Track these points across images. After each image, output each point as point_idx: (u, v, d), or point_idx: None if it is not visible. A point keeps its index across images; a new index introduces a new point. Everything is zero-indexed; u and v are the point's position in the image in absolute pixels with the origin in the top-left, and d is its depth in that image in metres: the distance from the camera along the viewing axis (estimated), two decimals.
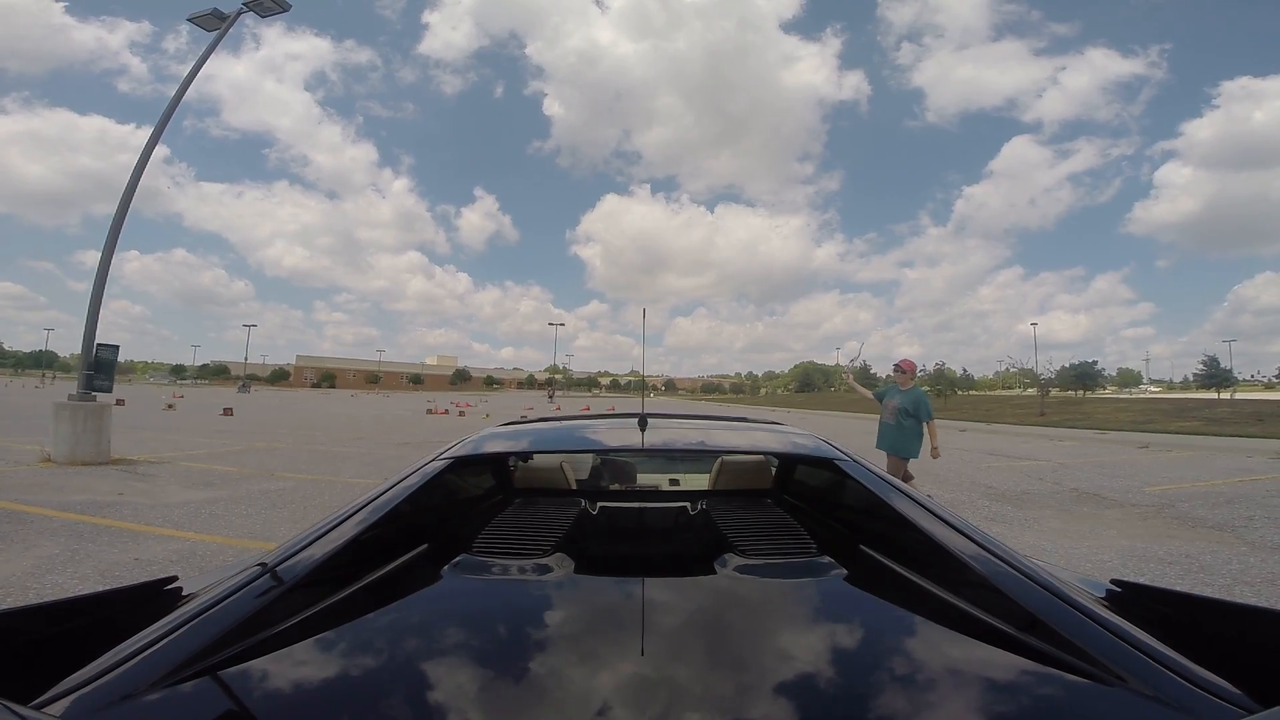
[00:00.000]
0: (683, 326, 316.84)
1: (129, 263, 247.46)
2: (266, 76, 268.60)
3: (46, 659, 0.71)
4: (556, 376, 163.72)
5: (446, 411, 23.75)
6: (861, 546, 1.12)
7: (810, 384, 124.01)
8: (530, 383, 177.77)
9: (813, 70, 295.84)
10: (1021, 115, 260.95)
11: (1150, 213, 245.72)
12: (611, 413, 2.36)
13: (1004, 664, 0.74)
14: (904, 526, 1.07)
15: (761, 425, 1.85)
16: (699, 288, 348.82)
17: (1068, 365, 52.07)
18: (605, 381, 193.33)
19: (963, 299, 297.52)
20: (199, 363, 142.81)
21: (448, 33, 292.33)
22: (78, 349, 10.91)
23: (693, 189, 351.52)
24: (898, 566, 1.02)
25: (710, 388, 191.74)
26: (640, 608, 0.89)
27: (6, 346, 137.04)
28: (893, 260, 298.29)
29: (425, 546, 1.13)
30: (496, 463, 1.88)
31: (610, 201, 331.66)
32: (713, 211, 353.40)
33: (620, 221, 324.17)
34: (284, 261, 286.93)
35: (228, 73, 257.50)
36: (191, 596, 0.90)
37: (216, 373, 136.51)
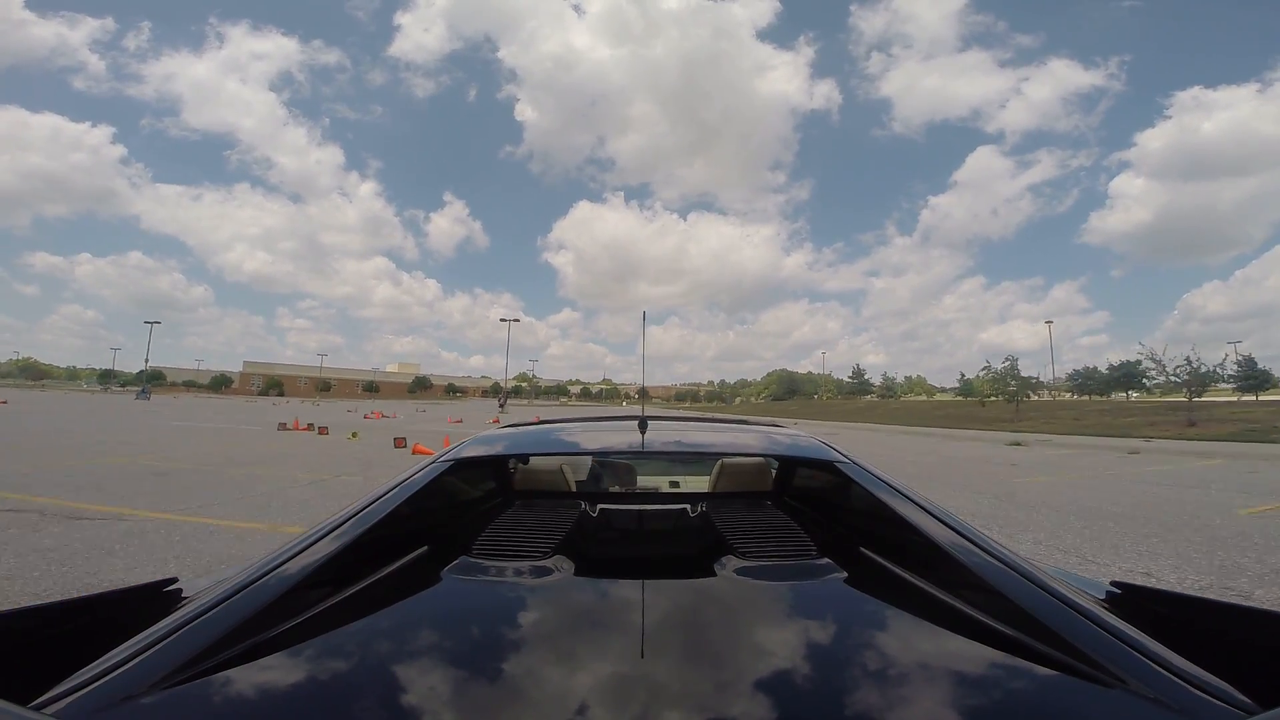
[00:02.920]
0: (655, 335, 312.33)
1: (80, 266, 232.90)
2: (230, 76, 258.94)
3: (47, 659, 0.71)
4: (522, 384, 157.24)
5: (310, 427, 18.01)
6: (861, 549, 1.11)
7: (796, 390, 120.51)
8: (496, 390, 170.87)
9: (785, 79, 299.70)
10: (985, 126, 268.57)
11: (1105, 223, 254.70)
12: (611, 415, 2.31)
13: (1004, 666, 0.74)
14: (904, 528, 1.07)
15: (761, 427, 1.86)
16: (671, 296, 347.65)
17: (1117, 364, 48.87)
18: (575, 390, 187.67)
19: (927, 308, 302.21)
20: (195, 370, 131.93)
21: (420, 35, 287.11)
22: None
23: (666, 197, 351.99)
24: (898, 568, 1.02)
25: (684, 395, 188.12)
26: (640, 610, 0.89)
27: None
28: (860, 269, 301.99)
29: (425, 549, 1.13)
30: (496, 465, 1.88)
31: (583, 209, 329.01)
32: (685, 219, 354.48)
33: (593, 229, 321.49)
34: (245, 266, 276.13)
35: (189, 71, 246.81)
36: (191, 598, 0.90)
37: (152, 378, 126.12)
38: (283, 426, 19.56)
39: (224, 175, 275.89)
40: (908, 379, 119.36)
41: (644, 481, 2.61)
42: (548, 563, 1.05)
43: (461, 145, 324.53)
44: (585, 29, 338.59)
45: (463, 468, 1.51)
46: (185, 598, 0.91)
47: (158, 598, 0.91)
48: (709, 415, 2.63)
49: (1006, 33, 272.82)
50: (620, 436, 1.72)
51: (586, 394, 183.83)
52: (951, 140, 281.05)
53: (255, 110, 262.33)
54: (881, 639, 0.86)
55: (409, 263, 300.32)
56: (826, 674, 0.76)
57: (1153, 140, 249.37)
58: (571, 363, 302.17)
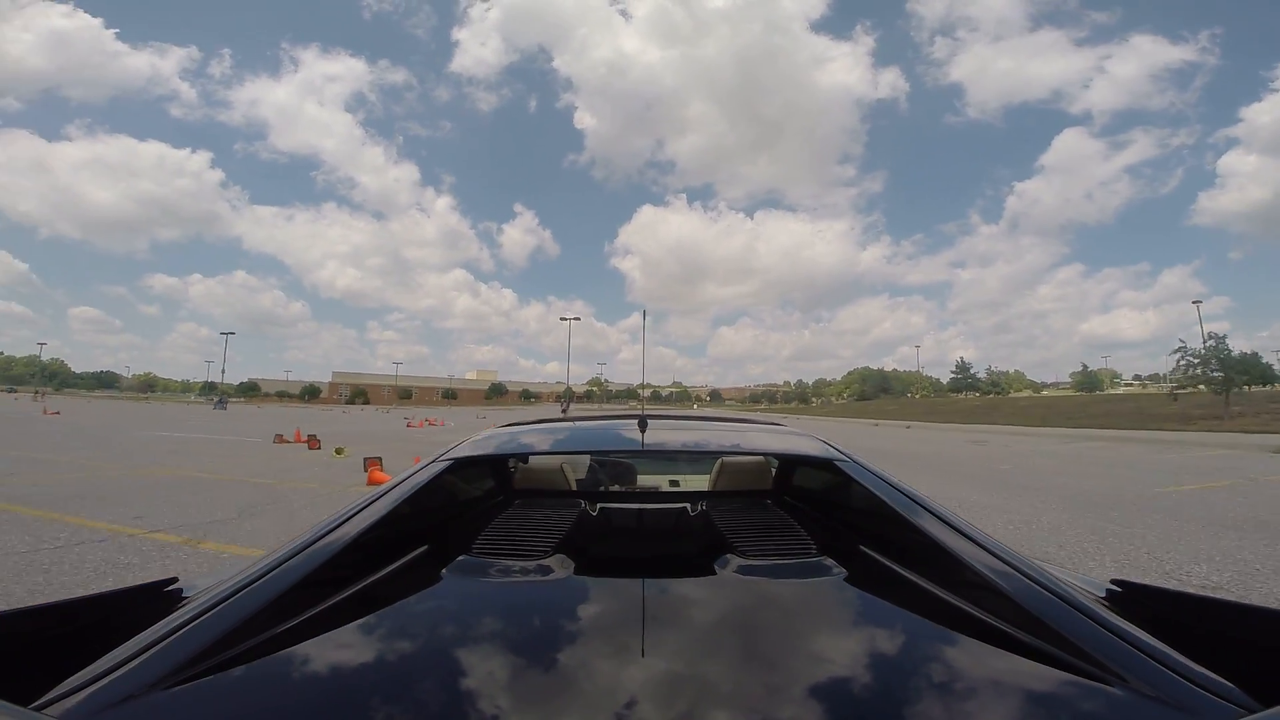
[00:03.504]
0: (726, 336, 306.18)
1: (193, 285, 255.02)
2: (308, 99, 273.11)
3: (47, 660, 0.71)
4: (594, 389, 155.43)
5: (313, 439, 14.55)
6: (861, 547, 1.11)
7: (886, 388, 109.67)
8: (568, 396, 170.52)
9: (845, 70, 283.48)
10: (1069, 107, 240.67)
11: (1217, 203, 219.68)
12: (611, 414, 2.25)
13: (1004, 664, 0.74)
14: (904, 527, 1.07)
15: (761, 426, 1.84)
16: (741, 296, 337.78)
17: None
18: (646, 393, 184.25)
19: (1020, 299, 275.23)
20: (286, 381, 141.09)
21: (477, 49, 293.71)
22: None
23: (730, 196, 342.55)
24: (898, 567, 1.01)
25: (759, 397, 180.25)
26: (641, 609, 0.89)
27: (75, 370, 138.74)
28: (944, 261, 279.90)
29: (425, 548, 1.13)
30: (497, 464, 1.88)
31: (647, 213, 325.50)
32: (752, 218, 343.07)
33: (657, 232, 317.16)
34: (337, 283, 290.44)
35: (271, 96, 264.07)
36: (191, 598, 0.90)
37: (249, 389, 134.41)
38: (280, 439, 16.17)
39: (312, 195, 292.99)
40: (1003, 374, 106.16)
41: (644, 480, 2.57)
42: (548, 562, 1.05)
43: (526, 156, 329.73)
44: (634, 33, 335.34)
45: (463, 467, 1.51)
46: (185, 598, 0.91)
47: (158, 598, 0.91)
48: (708, 415, 2.34)
49: (1079, 10, 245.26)
50: (620, 436, 1.72)
51: (656, 397, 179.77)
52: (1033, 123, 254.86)
53: (334, 131, 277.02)
54: (882, 637, 0.85)
55: (485, 274, 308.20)
56: (827, 672, 0.76)
57: (1261, 115, 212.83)
58: (641, 367, 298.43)
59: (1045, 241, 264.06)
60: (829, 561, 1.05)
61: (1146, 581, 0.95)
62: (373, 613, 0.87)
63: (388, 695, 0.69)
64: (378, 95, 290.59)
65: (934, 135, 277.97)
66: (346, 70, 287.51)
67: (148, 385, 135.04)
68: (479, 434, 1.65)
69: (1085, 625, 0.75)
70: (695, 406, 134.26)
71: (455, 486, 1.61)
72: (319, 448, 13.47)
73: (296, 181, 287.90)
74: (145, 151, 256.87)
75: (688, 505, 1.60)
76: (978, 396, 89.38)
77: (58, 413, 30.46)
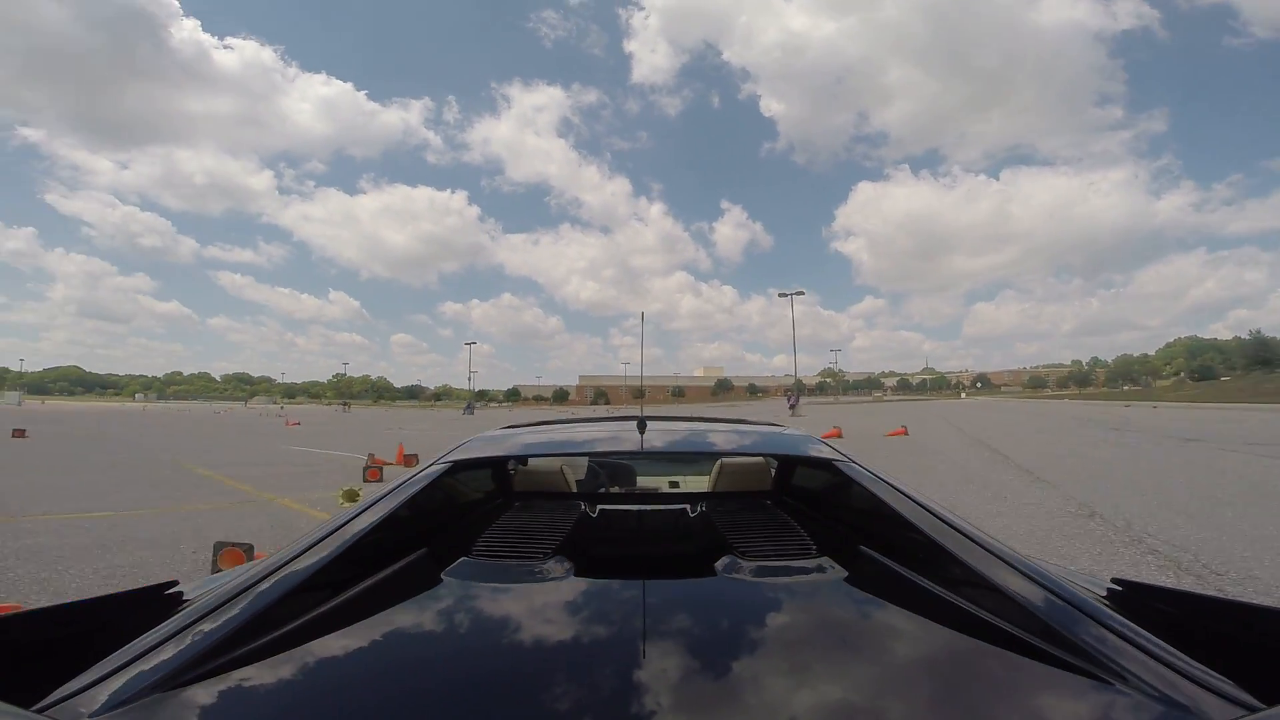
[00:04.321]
0: (984, 314, 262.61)
1: (474, 309, 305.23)
2: (526, 131, 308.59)
3: (48, 663, 0.71)
4: (827, 380, 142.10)
5: (414, 460, 10.23)
6: (861, 547, 1.11)
7: (1271, 357, 76.41)
8: (798, 389, 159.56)
9: (1069, 4, 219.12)
10: None
11: None
12: (610, 416, 2.36)
13: (1005, 663, 0.74)
14: (903, 527, 1.07)
15: (760, 427, 1.85)
16: (998, 267, 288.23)
17: None
18: (890, 382, 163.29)
19: None
20: (540, 386, 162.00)
21: (649, 57, 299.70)
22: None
23: (964, 159, 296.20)
24: (898, 567, 1.01)
25: (1041, 381, 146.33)
26: (641, 610, 0.89)
27: (396, 385, 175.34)
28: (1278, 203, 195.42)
29: (425, 550, 1.13)
30: (496, 466, 1.88)
31: (865, 190, 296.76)
32: (997, 179, 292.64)
33: (881, 208, 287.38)
34: (581, 295, 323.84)
35: (496, 134, 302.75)
36: (191, 600, 0.90)
37: (511, 396, 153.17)
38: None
39: (549, 219, 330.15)
40: None
41: (644, 482, 2.57)
42: (548, 564, 1.05)
43: (721, 151, 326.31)
44: (798, 10, 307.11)
45: (463, 469, 1.51)
46: (186, 600, 0.91)
47: (158, 600, 0.91)
48: (708, 415, 2.25)
49: None
50: (619, 437, 1.73)
51: (906, 385, 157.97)
52: None
53: (554, 157, 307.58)
54: (882, 637, 0.86)
55: (704, 273, 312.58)
56: (828, 673, 0.75)
57: None
58: (882, 353, 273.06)
59: None
60: (829, 562, 1.05)
61: (1147, 580, 0.90)
62: (373, 615, 0.88)
63: (388, 697, 0.69)
64: (579, 117, 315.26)
65: (1215, 61, 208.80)
66: (548, 99, 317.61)
67: (440, 396, 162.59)
68: (479, 436, 1.67)
69: (1086, 624, 0.75)
70: (964, 395, 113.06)
71: (455, 488, 1.62)
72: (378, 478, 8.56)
73: (535, 208, 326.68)
74: (418, 196, 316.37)
75: (687, 506, 1.61)
76: None
77: (298, 423, 32.60)
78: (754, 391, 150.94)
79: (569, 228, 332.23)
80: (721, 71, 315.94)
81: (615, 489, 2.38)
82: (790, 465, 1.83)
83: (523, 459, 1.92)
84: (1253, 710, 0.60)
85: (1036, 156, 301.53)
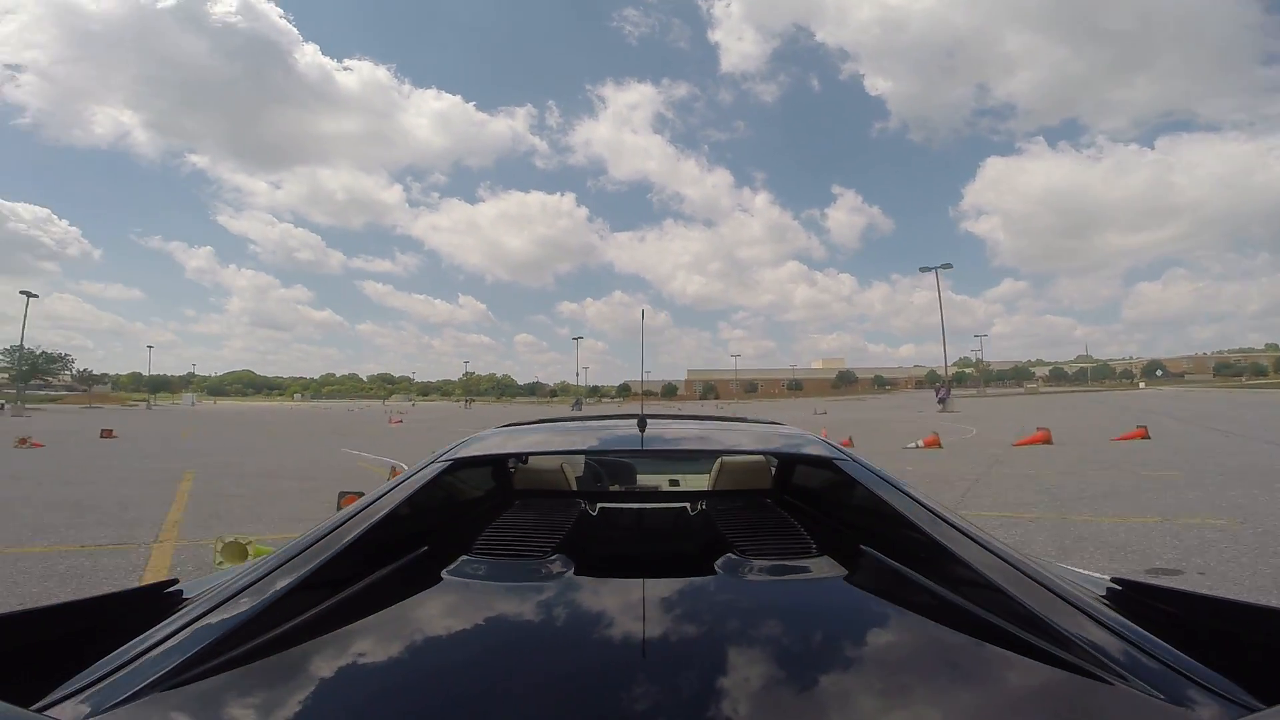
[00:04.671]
0: (1149, 294, 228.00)
1: (588, 308, 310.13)
2: (623, 130, 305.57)
3: (48, 662, 0.71)
4: (966, 370, 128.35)
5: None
6: (861, 546, 1.10)
7: None
8: (933, 379, 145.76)
9: None
10: None
11: None
12: (611, 414, 2.27)
13: (1005, 663, 0.74)
14: (904, 526, 1.07)
15: (760, 425, 1.86)
16: (1161, 242, 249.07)
17: None
18: (1041, 371, 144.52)
19: None
20: (650, 381, 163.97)
21: (736, 45, 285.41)
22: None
23: (1109, 127, 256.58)
24: (898, 566, 1.01)
25: (1229, 368, 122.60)
26: (641, 609, 0.89)
27: (519, 382, 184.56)
28: None
29: (425, 549, 1.13)
30: (496, 464, 1.88)
31: (995, 166, 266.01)
32: (1152, 147, 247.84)
33: (1015, 184, 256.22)
34: (688, 290, 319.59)
35: (596, 134, 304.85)
36: (192, 600, 0.90)
37: (624, 391, 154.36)
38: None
39: (652, 215, 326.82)
40: None
41: (644, 480, 2.58)
42: (548, 562, 1.05)
43: (828, 135, 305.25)
44: None
45: (462, 467, 1.51)
46: (186, 599, 0.91)
47: (158, 599, 0.91)
48: (707, 414, 2.33)
49: None
50: (619, 435, 1.73)
51: (1060, 375, 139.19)
52: None
53: (652, 153, 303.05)
54: (882, 636, 0.86)
55: (818, 261, 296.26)
56: (828, 672, 0.75)
57: None
58: (1028, 340, 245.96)
59: None
60: (829, 561, 1.05)
61: (1146, 580, 0.97)
62: (373, 614, 0.87)
63: (388, 696, 0.69)
64: (673, 112, 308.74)
65: None
66: (640, 96, 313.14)
67: (556, 392, 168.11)
68: (479, 434, 1.66)
69: (1086, 623, 0.75)
70: (1142, 385, 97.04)
71: (455, 487, 1.61)
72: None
73: (638, 205, 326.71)
74: (530, 200, 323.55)
75: (687, 505, 1.61)
76: None
77: (400, 421, 33.98)
78: (881, 384, 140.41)
79: (672, 223, 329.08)
80: (817, 54, 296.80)
81: (615, 487, 2.38)
82: (790, 464, 1.83)
83: (523, 457, 1.91)
84: (1252, 710, 0.59)
85: (1197, 122, 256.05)
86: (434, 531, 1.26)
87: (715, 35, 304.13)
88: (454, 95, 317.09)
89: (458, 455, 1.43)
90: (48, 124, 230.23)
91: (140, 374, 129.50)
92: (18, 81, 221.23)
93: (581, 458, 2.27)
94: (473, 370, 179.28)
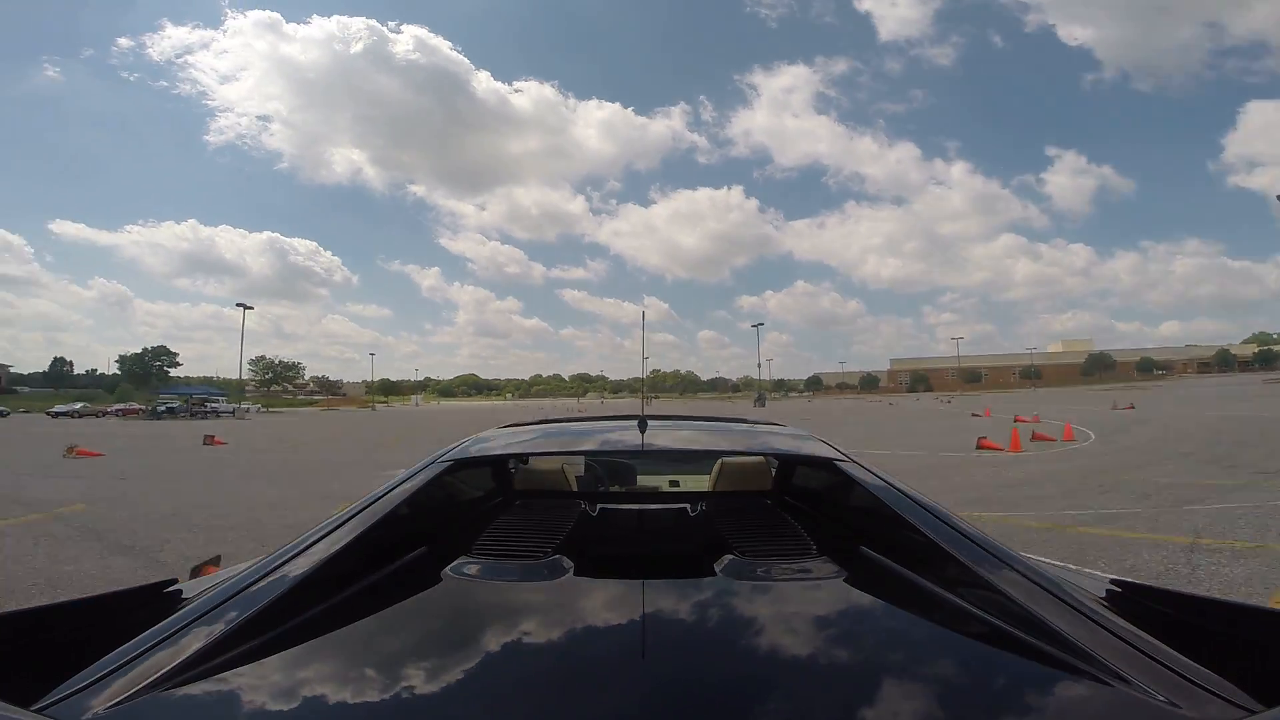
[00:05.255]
0: None
1: (768, 300, 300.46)
2: (783, 115, 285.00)
3: (47, 662, 0.71)
4: (1272, 349, 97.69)
5: None
6: (861, 547, 1.11)
7: None
8: (1223, 360, 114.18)
9: None
10: None
11: None
12: (611, 415, 2.32)
13: (1005, 664, 0.74)
14: (904, 527, 1.07)
15: (760, 426, 1.86)
16: None
17: None
18: None
19: None
20: (845, 373, 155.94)
21: (890, 11, 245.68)
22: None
23: None
24: (898, 567, 1.01)
25: None
26: (641, 610, 0.89)
27: (703, 378, 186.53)
28: None
29: (425, 548, 1.13)
30: (496, 465, 1.89)
31: (1260, 111, 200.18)
32: None
33: None
34: (881, 274, 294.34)
35: (755, 124, 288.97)
36: (191, 599, 0.90)
37: (814, 384, 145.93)
38: None
39: (830, 199, 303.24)
40: None
41: (644, 481, 2.59)
42: (548, 562, 1.05)
43: (1027, 94, 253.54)
44: None
45: (463, 467, 1.51)
46: (185, 599, 0.91)
47: (158, 600, 0.91)
48: (708, 415, 2.39)
49: None
50: (620, 436, 1.73)
51: None
52: None
53: (819, 135, 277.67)
54: (882, 638, 0.86)
55: (1040, 232, 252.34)
56: (828, 673, 0.75)
57: None
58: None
59: None
60: (829, 562, 1.05)
61: (1146, 581, 0.91)
62: (372, 614, 0.87)
63: (388, 696, 0.69)
64: (835, 90, 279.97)
65: None
66: (794, 79, 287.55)
67: (739, 387, 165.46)
68: (479, 435, 1.67)
69: (1085, 625, 0.75)
70: None
71: (455, 487, 1.61)
72: None
73: (812, 190, 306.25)
74: (699, 197, 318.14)
75: (687, 506, 1.62)
76: None
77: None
78: (1146, 368, 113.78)
79: (854, 205, 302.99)
80: (988, 9, 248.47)
81: (615, 488, 2.39)
82: (790, 465, 1.84)
83: (523, 458, 1.91)
84: (1252, 711, 0.60)
85: None
86: (434, 531, 1.26)
87: (864, 4, 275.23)
88: (613, 103, 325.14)
89: (458, 455, 1.43)
90: (301, 166, 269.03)
91: (389, 379, 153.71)
92: (270, 130, 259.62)
93: (582, 459, 2.26)
94: (658, 369, 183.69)
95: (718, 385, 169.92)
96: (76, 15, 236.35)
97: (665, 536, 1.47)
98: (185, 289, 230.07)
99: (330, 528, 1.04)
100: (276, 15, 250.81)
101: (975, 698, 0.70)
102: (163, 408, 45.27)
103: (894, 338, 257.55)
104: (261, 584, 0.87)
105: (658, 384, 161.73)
